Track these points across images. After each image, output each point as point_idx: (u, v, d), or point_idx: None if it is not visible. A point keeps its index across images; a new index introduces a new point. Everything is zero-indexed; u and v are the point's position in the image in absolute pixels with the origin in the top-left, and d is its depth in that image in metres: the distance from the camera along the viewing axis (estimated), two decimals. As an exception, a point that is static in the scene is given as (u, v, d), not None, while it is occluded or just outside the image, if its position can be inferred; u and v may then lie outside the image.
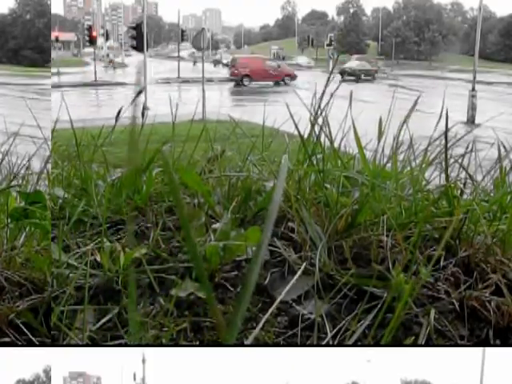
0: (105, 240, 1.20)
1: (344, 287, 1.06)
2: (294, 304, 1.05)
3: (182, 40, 42.78)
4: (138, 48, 23.92)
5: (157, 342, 0.95)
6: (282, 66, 42.00)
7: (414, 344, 0.94)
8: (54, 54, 54.48)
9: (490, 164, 1.50)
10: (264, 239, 0.43)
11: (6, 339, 0.98)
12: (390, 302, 0.92)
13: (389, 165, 1.44)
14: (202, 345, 0.96)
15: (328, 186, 1.35)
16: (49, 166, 1.49)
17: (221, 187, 1.51)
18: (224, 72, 49.29)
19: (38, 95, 26.43)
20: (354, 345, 0.94)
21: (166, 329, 0.97)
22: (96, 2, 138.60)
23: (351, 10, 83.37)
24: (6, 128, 2.01)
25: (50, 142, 1.54)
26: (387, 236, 1.17)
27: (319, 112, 1.43)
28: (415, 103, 1.49)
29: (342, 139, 1.57)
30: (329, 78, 1.44)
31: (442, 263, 1.15)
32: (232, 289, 1.11)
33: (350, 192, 1.34)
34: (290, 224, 1.32)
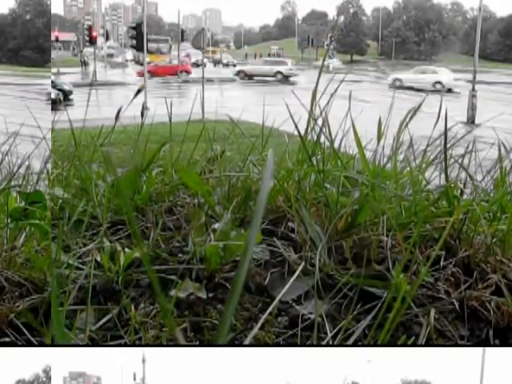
0: (105, 240, 1.20)
1: (344, 287, 1.06)
2: (294, 304, 1.05)
3: (182, 40, 42.77)
4: (138, 48, 23.94)
5: (157, 342, 0.95)
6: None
7: (414, 344, 0.94)
8: (54, 54, 54.48)
9: (490, 164, 1.50)
10: (252, 233, 0.43)
11: (6, 339, 0.98)
12: (390, 302, 0.92)
13: (389, 165, 1.44)
14: (201, 345, 0.96)
15: (328, 186, 1.35)
16: (49, 165, 1.49)
17: (221, 187, 1.51)
18: (224, 72, 49.25)
19: (37, 95, 26.44)
20: (354, 345, 0.94)
21: (165, 329, 0.97)
22: (96, 2, 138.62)
23: (351, 10, 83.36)
24: (7, 128, 2.01)
25: (49, 142, 1.54)
26: (387, 236, 1.17)
27: (319, 112, 1.43)
28: (419, 106, 1.49)
29: (341, 139, 1.57)
30: (319, 76, 1.44)
31: (442, 263, 1.15)
32: (232, 289, 1.11)
33: (350, 192, 1.34)
34: (289, 224, 1.32)
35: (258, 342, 0.96)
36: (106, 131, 1.71)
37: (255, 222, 0.43)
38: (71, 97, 25.17)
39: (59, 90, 24.33)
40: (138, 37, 23.49)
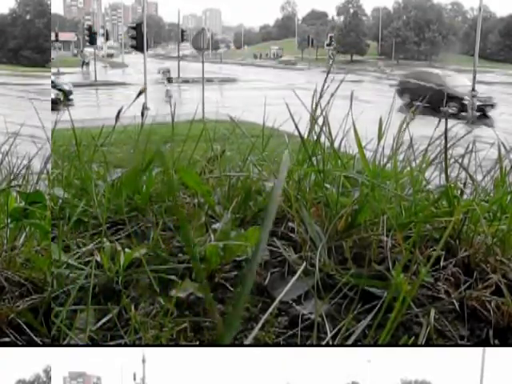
0: (105, 240, 1.20)
1: (344, 287, 1.06)
2: (294, 304, 1.05)
3: (182, 40, 42.69)
4: (138, 48, 23.94)
5: (157, 342, 0.95)
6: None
7: (414, 344, 0.94)
8: (54, 54, 54.52)
9: (490, 164, 1.50)
10: (263, 237, 0.43)
11: (6, 339, 0.98)
12: (389, 302, 0.92)
13: (389, 165, 1.44)
14: (201, 345, 0.96)
15: (328, 186, 1.35)
16: (49, 165, 1.49)
17: (221, 187, 1.51)
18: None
19: (37, 95, 26.44)
20: (354, 345, 0.94)
21: (165, 329, 0.97)
22: (96, 2, 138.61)
23: (351, 10, 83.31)
24: (6, 128, 2.01)
25: (49, 142, 1.54)
26: (387, 236, 1.17)
27: (319, 112, 1.43)
28: (419, 107, 1.49)
29: (342, 139, 1.57)
30: (326, 77, 1.45)
31: (442, 263, 1.15)
32: (232, 289, 1.11)
33: (350, 192, 1.34)
34: (289, 224, 1.32)
35: (258, 342, 0.96)
36: (106, 131, 1.71)
37: (266, 224, 0.43)
38: (71, 97, 25.10)
39: (59, 90, 24.24)
40: (137, 37, 23.47)
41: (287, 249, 1.21)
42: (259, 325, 0.96)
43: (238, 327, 0.98)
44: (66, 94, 24.32)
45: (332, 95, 1.44)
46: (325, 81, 1.44)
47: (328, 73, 1.45)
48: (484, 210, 1.25)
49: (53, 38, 50.35)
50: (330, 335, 0.96)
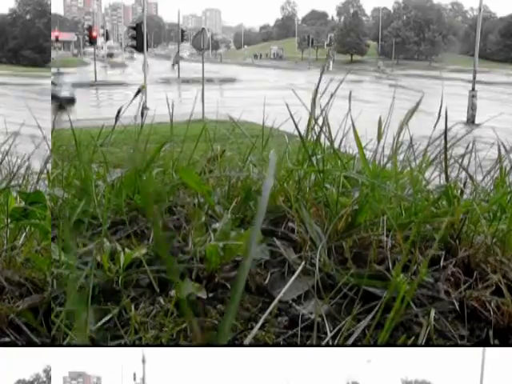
0: (105, 240, 1.20)
1: (344, 287, 1.06)
2: (294, 304, 1.05)
3: (182, 40, 42.69)
4: (138, 48, 23.94)
5: (157, 342, 0.95)
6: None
7: (414, 344, 0.94)
8: (54, 54, 54.56)
9: (490, 164, 1.50)
10: (253, 234, 0.43)
11: (6, 339, 0.98)
12: (389, 302, 0.92)
13: (389, 165, 1.44)
14: (201, 345, 0.96)
15: (328, 186, 1.34)
16: (49, 165, 1.49)
17: (221, 187, 1.51)
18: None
19: (37, 95, 26.44)
20: (354, 345, 0.94)
21: (165, 329, 0.97)
22: (96, 2, 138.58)
23: (351, 10, 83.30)
24: (6, 128, 2.01)
25: (49, 142, 1.54)
26: (387, 236, 1.17)
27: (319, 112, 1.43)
28: (417, 105, 1.49)
29: (342, 139, 1.57)
30: (320, 77, 1.44)
31: (442, 263, 1.15)
32: (232, 289, 1.11)
33: (350, 192, 1.34)
34: (290, 224, 1.32)
35: (258, 342, 0.96)
36: (105, 131, 1.71)
37: (256, 224, 0.43)
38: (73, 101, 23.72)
39: (57, 99, 22.02)
40: (137, 37, 23.48)
41: (287, 249, 1.21)
42: (258, 325, 0.96)
43: (229, 332, 0.98)
44: (68, 102, 22.48)
45: (332, 95, 1.44)
46: (319, 80, 1.44)
47: (322, 72, 1.45)
48: (484, 210, 1.25)
49: (53, 38, 50.33)
50: (330, 335, 0.96)
